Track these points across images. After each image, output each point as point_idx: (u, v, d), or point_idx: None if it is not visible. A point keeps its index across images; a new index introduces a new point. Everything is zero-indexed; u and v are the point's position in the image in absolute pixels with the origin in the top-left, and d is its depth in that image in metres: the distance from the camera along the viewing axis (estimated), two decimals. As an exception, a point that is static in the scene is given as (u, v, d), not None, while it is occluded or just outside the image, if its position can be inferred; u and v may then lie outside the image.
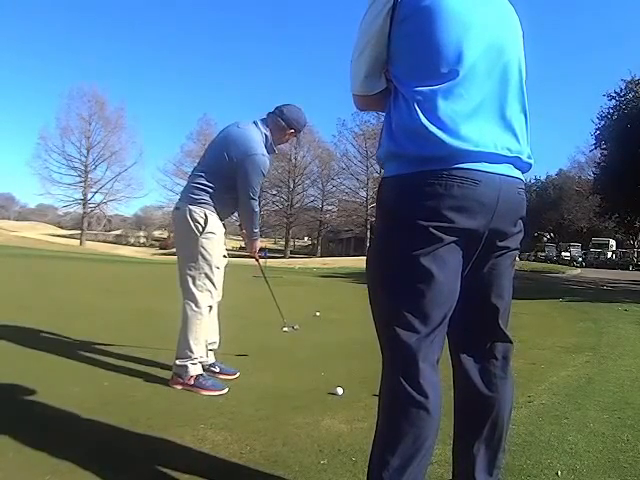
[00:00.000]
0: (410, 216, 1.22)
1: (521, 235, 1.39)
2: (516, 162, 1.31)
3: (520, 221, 1.37)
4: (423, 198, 1.21)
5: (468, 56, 1.22)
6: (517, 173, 1.32)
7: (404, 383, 1.23)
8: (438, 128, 1.18)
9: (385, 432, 1.28)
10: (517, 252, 1.43)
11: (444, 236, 1.21)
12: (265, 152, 2.78)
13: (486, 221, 1.25)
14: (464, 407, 1.44)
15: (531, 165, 1.36)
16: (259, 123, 2.85)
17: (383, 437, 1.29)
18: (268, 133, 2.83)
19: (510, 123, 1.29)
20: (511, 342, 1.43)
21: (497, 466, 1.42)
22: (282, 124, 2.86)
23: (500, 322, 1.40)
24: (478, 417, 1.40)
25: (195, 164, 3.03)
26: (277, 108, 2.89)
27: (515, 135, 1.30)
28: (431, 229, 1.20)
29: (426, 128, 1.19)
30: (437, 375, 1.28)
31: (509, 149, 1.27)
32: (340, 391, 2.73)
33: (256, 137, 2.77)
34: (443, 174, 1.19)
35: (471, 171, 1.20)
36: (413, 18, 1.24)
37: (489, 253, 1.33)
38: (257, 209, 2.89)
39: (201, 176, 2.78)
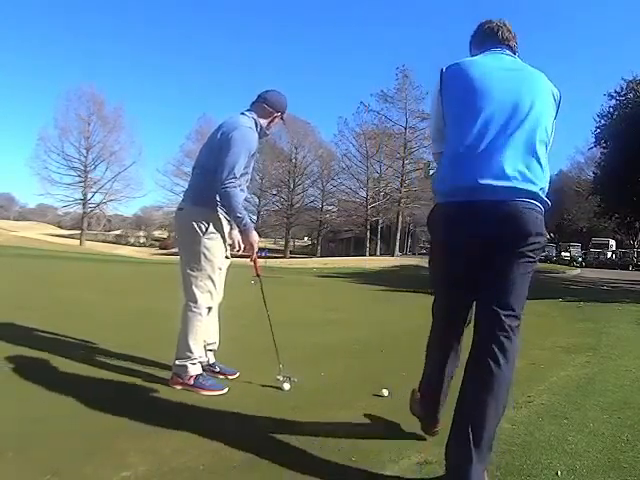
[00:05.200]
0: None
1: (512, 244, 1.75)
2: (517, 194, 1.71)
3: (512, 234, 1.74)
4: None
5: (485, 133, 1.72)
6: (521, 204, 1.70)
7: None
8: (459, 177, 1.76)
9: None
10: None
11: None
12: (254, 129, 2.80)
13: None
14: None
15: (542, 199, 1.78)
16: (246, 112, 2.88)
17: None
18: (258, 119, 2.86)
19: (514, 167, 1.71)
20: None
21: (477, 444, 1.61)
22: (269, 109, 2.90)
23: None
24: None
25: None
26: (259, 96, 2.93)
27: (523, 175, 1.72)
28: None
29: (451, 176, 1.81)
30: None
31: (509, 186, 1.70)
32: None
33: (245, 120, 2.80)
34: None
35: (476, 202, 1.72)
36: (446, 106, 1.85)
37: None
38: (236, 189, 2.66)
39: (201, 175, 2.79)
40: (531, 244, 1.71)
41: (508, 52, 1.95)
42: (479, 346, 1.73)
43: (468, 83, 1.78)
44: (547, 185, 1.79)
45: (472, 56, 2.02)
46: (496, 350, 1.67)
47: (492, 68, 1.82)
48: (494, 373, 1.65)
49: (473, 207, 1.70)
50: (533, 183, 1.71)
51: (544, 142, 1.78)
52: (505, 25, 1.99)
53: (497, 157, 1.69)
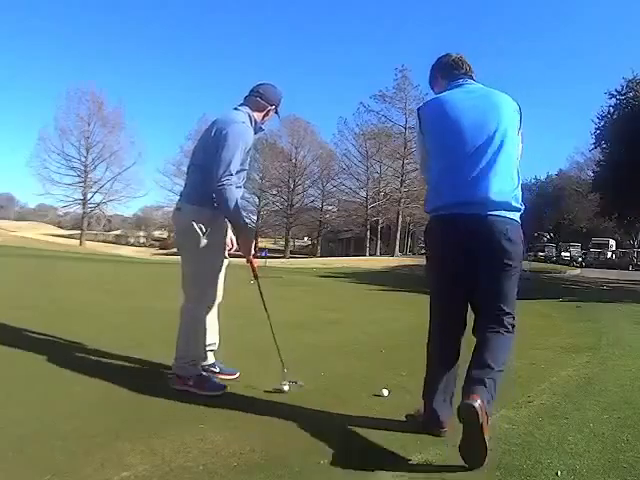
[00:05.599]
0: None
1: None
2: (490, 206, 2.03)
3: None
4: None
5: (458, 159, 2.08)
6: (490, 217, 2.02)
7: None
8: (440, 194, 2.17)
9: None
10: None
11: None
12: (249, 124, 2.78)
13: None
14: None
15: (513, 206, 2.08)
16: (240, 107, 2.86)
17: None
18: (252, 114, 2.85)
19: (483, 184, 2.03)
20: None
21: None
22: (263, 103, 2.89)
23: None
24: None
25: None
26: (253, 90, 2.91)
27: (489, 187, 2.03)
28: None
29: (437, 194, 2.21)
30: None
31: (483, 199, 2.02)
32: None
33: (239, 115, 2.79)
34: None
35: (453, 215, 2.08)
36: (427, 141, 2.25)
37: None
38: (232, 186, 2.59)
39: (197, 173, 2.74)
40: (505, 249, 2.03)
41: (470, 81, 2.32)
42: (477, 330, 2.12)
43: (442, 118, 2.15)
44: (519, 192, 2.11)
45: (435, 82, 2.44)
46: (489, 325, 2.06)
47: (461, 100, 2.18)
48: (492, 336, 2.03)
49: (452, 218, 2.07)
50: (501, 194, 2.03)
51: (511, 155, 2.11)
52: (463, 58, 2.38)
53: (468, 177, 2.04)
